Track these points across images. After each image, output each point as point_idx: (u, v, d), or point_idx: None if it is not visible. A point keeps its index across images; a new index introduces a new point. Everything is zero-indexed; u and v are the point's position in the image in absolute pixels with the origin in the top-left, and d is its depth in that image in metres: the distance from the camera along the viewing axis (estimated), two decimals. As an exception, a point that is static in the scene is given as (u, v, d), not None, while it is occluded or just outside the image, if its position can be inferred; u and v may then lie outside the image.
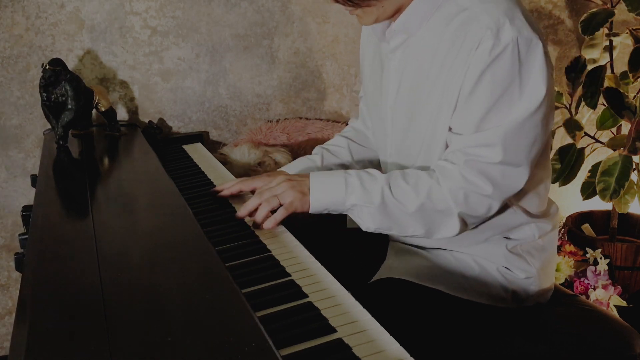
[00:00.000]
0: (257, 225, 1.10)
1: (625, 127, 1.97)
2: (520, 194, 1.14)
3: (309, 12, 1.99)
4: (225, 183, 1.27)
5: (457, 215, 1.06)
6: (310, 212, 1.10)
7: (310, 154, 1.42)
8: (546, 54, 1.02)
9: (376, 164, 1.42)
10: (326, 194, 1.08)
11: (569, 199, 2.44)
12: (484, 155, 1.03)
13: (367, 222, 1.09)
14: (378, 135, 1.30)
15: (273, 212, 1.11)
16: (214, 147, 1.97)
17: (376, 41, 1.23)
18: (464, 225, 1.08)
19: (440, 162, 1.08)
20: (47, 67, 1.46)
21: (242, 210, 1.13)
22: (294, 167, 1.37)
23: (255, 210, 1.11)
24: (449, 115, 1.07)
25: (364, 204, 1.06)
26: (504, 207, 1.13)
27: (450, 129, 1.08)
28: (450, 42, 1.05)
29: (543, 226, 1.19)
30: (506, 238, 1.17)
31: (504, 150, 1.02)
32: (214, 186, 1.37)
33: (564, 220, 2.30)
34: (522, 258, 1.16)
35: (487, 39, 0.99)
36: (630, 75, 1.94)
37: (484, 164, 1.04)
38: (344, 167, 1.40)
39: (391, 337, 0.77)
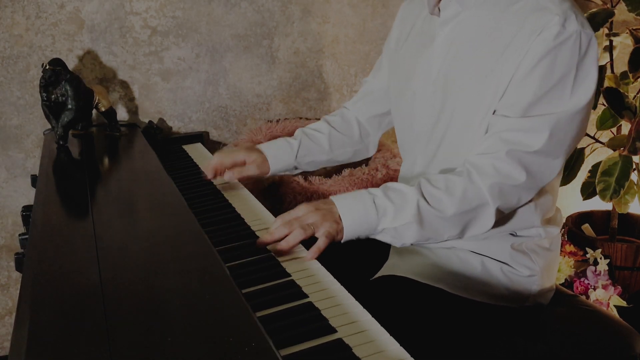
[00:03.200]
0: (282, 252, 1.02)
1: (625, 127, 1.97)
2: (539, 195, 1.14)
3: (309, 12, 1.99)
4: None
5: (494, 210, 1.05)
6: (342, 240, 1.05)
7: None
8: (597, 55, 1.05)
9: (355, 153, 1.47)
10: (358, 221, 1.03)
11: (569, 199, 2.44)
12: (526, 142, 1.03)
13: (405, 238, 1.05)
14: (407, 120, 1.28)
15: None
16: (214, 147, 1.97)
17: (420, 24, 1.25)
18: (496, 219, 1.08)
19: (472, 159, 1.07)
20: (47, 67, 1.46)
21: (267, 237, 1.04)
22: (269, 146, 1.40)
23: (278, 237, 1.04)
24: (496, 97, 1.07)
25: (401, 223, 1.03)
26: (521, 207, 1.13)
27: (494, 113, 1.08)
28: (510, 25, 1.06)
29: (550, 230, 1.19)
30: (512, 235, 1.17)
31: (549, 138, 1.02)
32: (214, 186, 1.38)
33: (564, 220, 2.30)
34: (527, 255, 1.16)
35: (554, 26, 1.01)
36: (630, 75, 1.94)
37: (524, 153, 1.03)
38: (321, 155, 1.43)
39: (391, 337, 0.77)
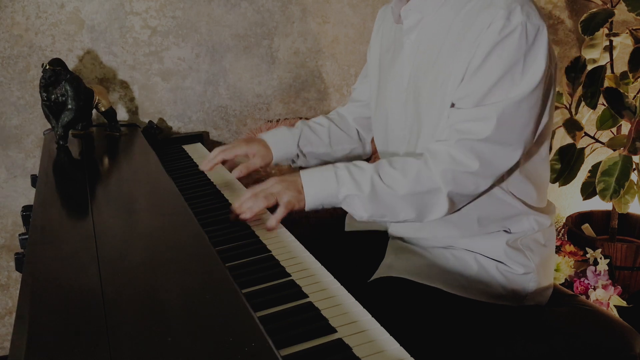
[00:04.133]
0: (247, 219, 1.13)
1: (625, 127, 1.97)
2: (518, 184, 1.16)
3: (309, 12, 1.99)
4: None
5: (447, 195, 1.09)
6: (306, 209, 1.13)
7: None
8: (549, 43, 1.07)
9: (352, 151, 1.51)
10: (319, 190, 1.11)
11: (569, 199, 2.44)
12: (476, 131, 1.06)
13: (360, 211, 1.11)
14: (384, 128, 1.31)
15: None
16: (214, 147, 1.96)
17: (392, 32, 1.28)
18: (452, 205, 1.11)
19: (431, 146, 1.11)
20: (47, 67, 1.46)
21: (236, 204, 1.15)
22: (270, 134, 1.44)
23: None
24: (454, 91, 1.10)
25: (355, 194, 1.09)
26: (500, 197, 1.15)
27: (452, 105, 1.11)
28: (462, 25, 1.10)
29: (542, 220, 1.20)
30: (506, 232, 1.18)
31: (498, 126, 1.05)
32: (214, 186, 1.38)
33: (564, 220, 2.30)
34: (522, 252, 1.17)
35: (499, 19, 1.04)
36: (630, 75, 1.94)
37: (474, 141, 1.06)
38: (320, 147, 1.47)
39: (391, 337, 0.77)
